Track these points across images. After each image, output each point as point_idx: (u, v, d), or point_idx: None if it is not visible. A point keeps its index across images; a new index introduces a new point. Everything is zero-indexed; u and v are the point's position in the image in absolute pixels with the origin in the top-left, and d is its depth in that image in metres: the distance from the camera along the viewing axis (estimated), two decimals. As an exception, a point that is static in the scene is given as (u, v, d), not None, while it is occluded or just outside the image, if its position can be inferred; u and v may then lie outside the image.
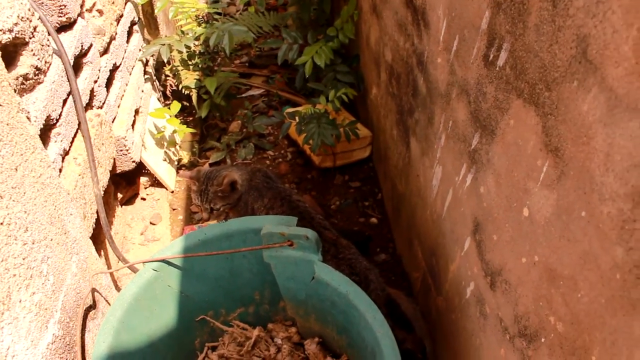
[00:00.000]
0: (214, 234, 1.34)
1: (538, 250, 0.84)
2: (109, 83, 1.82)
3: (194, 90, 2.44)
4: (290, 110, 2.40)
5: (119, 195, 1.99)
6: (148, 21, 2.42)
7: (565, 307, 0.77)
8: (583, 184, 0.70)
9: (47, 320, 1.01)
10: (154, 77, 2.41)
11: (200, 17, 2.82)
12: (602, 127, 0.65)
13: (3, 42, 1.10)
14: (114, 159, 1.78)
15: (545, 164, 0.80)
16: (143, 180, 2.17)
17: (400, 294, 1.80)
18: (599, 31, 0.64)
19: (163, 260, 1.29)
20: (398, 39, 1.66)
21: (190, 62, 2.50)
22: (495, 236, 1.02)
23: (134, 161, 1.88)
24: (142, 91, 2.14)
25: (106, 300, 1.35)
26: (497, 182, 0.98)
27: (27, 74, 1.23)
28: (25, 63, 1.23)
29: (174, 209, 2.18)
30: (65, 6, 1.44)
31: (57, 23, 1.47)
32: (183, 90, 2.48)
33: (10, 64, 1.17)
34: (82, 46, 1.54)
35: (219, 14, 2.66)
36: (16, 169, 0.94)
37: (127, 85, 1.99)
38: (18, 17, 1.15)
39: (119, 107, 1.88)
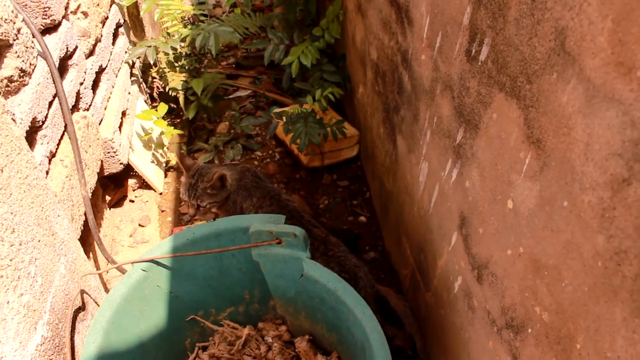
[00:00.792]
0: (203, 233, 1.35)
1: (523, 242, 0.86)
2: (95, 85, 1.82)
3: (180, 92, 2.44)
4: (278, 110, 2.41)
5: (107, 198, 1.98)
6: (134, 23, 2.41)
7: (550, 297, 0.78)
8: (565, 174, 0.71)
9: (36, 322, 1.01)
10: (141, 80, 2.41)
11: (186, 18, 2.81)
12: (581, 117, 0.66)
13: (-14, 43, 1.10)
14: (102, 161, 1.77)
15: (527, 155, 0.81)
16: (131, 182, 2.16)
17: (389, 291, 1.81)
18: (576, 23, 0.65)
19: (152, 261, 1.29)
20: (383, 37, 1.68)
21: (176, 64, 2.49)
22: (481, 229, 1.03)
23: (121, 163, 1.87)
24: (129, 93, 2.13)
25: (95, 302, 1.34)
26: (482, 175, 1.00)
27: (11, 76, 1.22)
28: (10, 65, 1.22)
29: (162, 211, 2.18)
30: (49, 8, 1.44)
31: (41, 25, 1.46)
32: (170, 92, 2.48)
33: (-6, 66, 1.17)
34: (67, 48, 1.54)
35: (205, 15, 2.66)
36: (2, 170, 0.94)
37: (113, 87, 1.99)
38: (1, 19, 1.14)
39: (105, 109, 1.88)
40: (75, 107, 1.62)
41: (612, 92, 0.60)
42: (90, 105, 1.73)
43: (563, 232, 0.73)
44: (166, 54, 2.41)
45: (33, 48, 1.33)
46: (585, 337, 0.69)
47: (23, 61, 1.26)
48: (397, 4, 1.46)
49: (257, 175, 1.76)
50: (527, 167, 0.81)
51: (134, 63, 2.30)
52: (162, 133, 2.25)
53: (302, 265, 1.27)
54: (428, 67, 1.26)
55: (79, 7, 1.68)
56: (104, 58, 1.89)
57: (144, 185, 2.19)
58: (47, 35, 1.48)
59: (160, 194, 2.24)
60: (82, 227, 1.49)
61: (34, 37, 1.35)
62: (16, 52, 1.24)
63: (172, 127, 2.27)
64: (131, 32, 2.37)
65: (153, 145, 2.26)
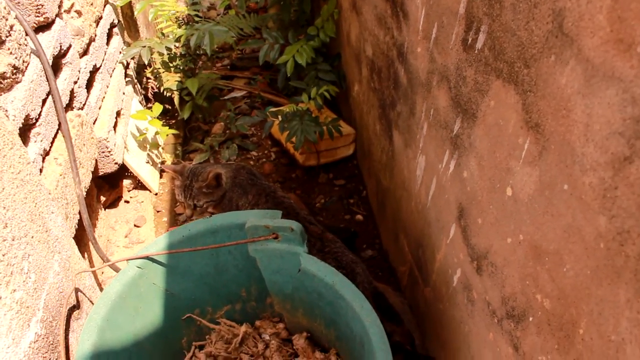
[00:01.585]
0: (198, 230, 1.33)
1: (523, 229, 0.85)
2: (89, 85, 1.80)
3: (175, 92, 2.43)
4: (273, 109, 2.40)
5: (102, 199, 1.96)
6: (128, 24, 2.40)
7: (552, 283, 0.77)
8: (564, 157, 0.70)
9: (29, 319, 0.99)
10: (135, 80, 2.40)
11: (181, 19, 2.81)
12: (580, 98, 0.66)
13: (-22, 38, 1.09)
14: (96, 161, 1.75)
15: (526, 141, 0.80)
16: (126, 183, 2.14)
17: (387, 289, 1.79)
18: (574, 3, 0.65)
19: (147, 258, 1.27)
20: (378, 33, 1.67)
21: (171, 65, 2.48)
22: (480, 219, 1.02)
23: (116, 163, 1.86)
24: (124, 94, 2.12)
25: (90, 301, 1.33)
26: (480, 164, 0.99)
27: (4, 72, 1.21)
28: (2, 62, 1.21)
29: (158, 211, 2.16)
30: (42, 5, 1.43)
31: (34, 23, 1.45)
32: (165, 92, 2.47)
33: (-14, 61, 1.16)
34: (60, 46, 1.52)
35: (199, 17, 2.65)
36: (-6, 164, 0.93)
37: (107, 87, 1.97)
38: (-7, 13, 1.13)
39: (100, 108, 1.86)
40: (69, 106, 1.60)
41: (612, 70, 0.59)
42: (84, 105, 1.71)
43: (564, 216, 0.72)
44: (161, 54, 2.40)
45: (26, 45, 1.31)
46: (588, 321, 0.69)
47: (16, 58, 1.25)
48: (392, -2, 1.45)
49: (252, 173, 1.75)
50: (526, 153, 0.81)
51: (128, 64, 2.28)
52: (157, 133, 2.24)
53: (299, 260, 1.25)
54: (424, 59, 1.26)
55: (72, 5, 1.67)
56: (98, 57, 1.88)
57: (139, 185, 2.17)
58: (41, 33, 1.47)
59: (156, 194, 2.22)
60: (77, 226, 1.47)
61: (27, 35, 1.33)
62: (9, 49, 1.23)
63: (167, 127, 2.25)
64: (125, 33, 2.36)
65: (148, 146, 2.24)
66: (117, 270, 1.50)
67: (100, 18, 1.96)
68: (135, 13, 2.34)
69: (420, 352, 1.53)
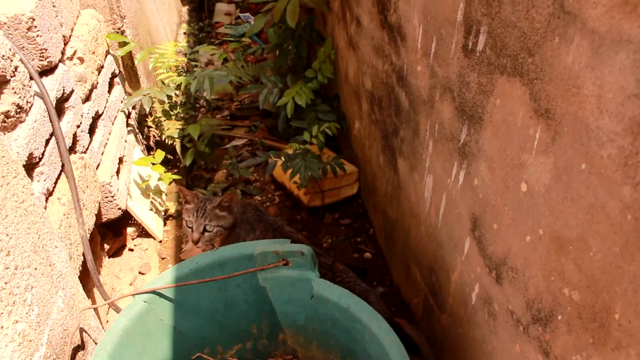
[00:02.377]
0: (206, 262, 1.30)
1: (542, 222, 0.82)
2: (92, 130, 1.81)
3: (177, 139, 2.44)
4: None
5: (106, 247, 1.93)
6: (129, 74, 2.44)
7: (579, 273, 0.74)
8: (579, 136, 0.69)
9: (32, 354, 0.94)
10: (137, 130, 2.42)
11: (180, 68, 2.86)
12: (589, 71, 0.65)
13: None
14: (99, 206, 1.74)
15: (537, 130, 0.79)
16: (130, 230, 2.11)
17: (403, 322, 1.73)
18: (575, -21, 0.65)
19: (154, 292, 1.23)
20: (376, 63, 1.70)
21: (172, 112, 2.51)
22: (495, 225, 0.99)
23: (119, 208, 1.84)
24: (126, 141, 2.13)
25: (94, 342, 1.27)
26: (491, 167, 0.97)
27: (8, 111, 1.22)
28: (7, 100, 1.22)
29: (163, 258, 2.12)
30: (46, 50, 1.46)
31: (38, 67, 1.47)
32: (166, 140, 2.48)
33: (-9, 100, 1.17)
34: (63, 90, 1.54)
35: (196, 66, 2.71)
36: (-3, 190, 0.91)
37: (110, 134, 1.98)
38: (-2, 53, 1.15)
39: (102, 154, 1.87)
40: (72, 149, 1.60)
41: (620, 34, 0.59)
42: (87, 149, 1.72)
43: (584, 197, 0.70)
44: (162, 102, 2.43)
45: (30, 87, 1.33)
46: (623, 303, 0.65)
47: (20, 97, 1.26)
48: (389, 24, 1.48)
49: (259, 209, 1.73)
50: (538, 142, 0.79)
51: (130, 113, 2.31)
52: (159, 179, 2.23)
53: (311, 286, 1.21)
54: (425, 76, 1.27)
55: (75, 52, 1.71)
56: (100, 104, 1.90)
57: (143, 233, 2.14)
58: (44, 77, 1.49)
59: (160, 241, 2.19)
60: (81, 268, 1.44)
61: (31, 78, 1.35)
62: (13, 89, 1.24)
63: (169, 173, 2.25)
64: (126, 84, 2.40)
65: (151, 193, 2.23)
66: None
67: (102, 67, 2.00)
68: (136, 62, 2.39)
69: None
